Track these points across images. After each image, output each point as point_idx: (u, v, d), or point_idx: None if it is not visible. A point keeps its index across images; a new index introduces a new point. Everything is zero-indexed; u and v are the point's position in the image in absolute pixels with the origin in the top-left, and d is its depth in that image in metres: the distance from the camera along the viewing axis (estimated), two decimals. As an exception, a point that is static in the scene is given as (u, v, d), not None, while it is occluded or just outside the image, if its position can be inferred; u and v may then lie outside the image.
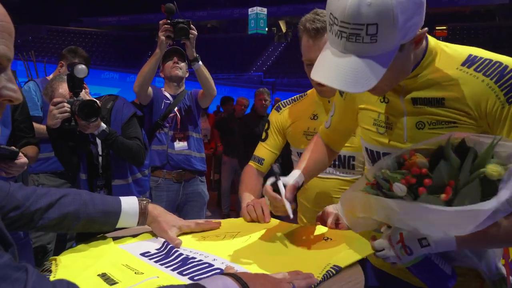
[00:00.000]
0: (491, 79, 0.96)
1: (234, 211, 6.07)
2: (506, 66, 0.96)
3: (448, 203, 0.86)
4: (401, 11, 0.85)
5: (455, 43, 1.10)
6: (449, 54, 1.04)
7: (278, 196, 1.09)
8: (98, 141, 2.11)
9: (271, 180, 1.18)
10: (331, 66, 0.92)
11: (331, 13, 0.90)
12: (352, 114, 1.28)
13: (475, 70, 0.98)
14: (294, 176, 1.20)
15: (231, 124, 5.80)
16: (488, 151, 0.87)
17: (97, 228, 1.11)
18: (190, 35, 2.56)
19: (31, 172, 2.82)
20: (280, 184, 1.13)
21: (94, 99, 2.04)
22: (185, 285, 0.77)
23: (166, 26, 2.53)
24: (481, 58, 1.00)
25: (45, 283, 0.63)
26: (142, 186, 2.36)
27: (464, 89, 0.99)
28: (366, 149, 1.22)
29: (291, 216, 1.06)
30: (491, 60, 0.98)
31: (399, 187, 0.91)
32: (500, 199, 0.81)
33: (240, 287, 0.77)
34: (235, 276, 0.79)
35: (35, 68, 5.11)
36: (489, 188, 0.85)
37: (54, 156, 2.81)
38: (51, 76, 3.01)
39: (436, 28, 31.21)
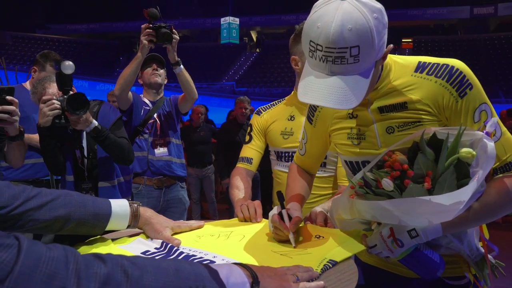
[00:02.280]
0: (443, 79, 1.10)
1: (208, 218, 6.06)
2: (453, 67, 1.10)
3: (430, 191, 0.95)
4: (376, 32, 0.96)
5: (420, 55, 1.22)
6: (402, 64, 1.17)
7: (286, 226, 1.12)
8: (84, 144, 2.11)
9: (277, 209, 1.20)
10: (320, 88, 1.01)
11: (311, 41, 0.99)
12: (323, 139, 1.38)
13: (427, 74, 1.12)
14: (296, 208, 1.23)
15: (191, 134, 5.59)
16: (457, 140, 0.99)
17: (86, 230, 1.09)
18: (173, 40, 2.60)
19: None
20: (285, 215, 1.15)
21: (82, 93, 2.03)
22: (197, 263, 0.77)
23: (148, 30, 2.54)
24: (429, 63, 1.14)
25: (39, 246, 0.61)
26: (125, 190, 2.33)
27: (421, 92, 1.12)
28: (346, 161, 1.30)
29: (294, 245, 1.10)
30: (438, 64, 1.12)
31: (387, 182, 1.00)
32: (476, 181, 0.92)
33: (249, 274, 0.78)
34: (244, 265, 0.80)
35: (5, 75, 4.97)
36: (462, 172, 0.97)
37: (25, 164, 2.77)
38: (27, 82, 2.97)
39: (403, 40, 32.41)
